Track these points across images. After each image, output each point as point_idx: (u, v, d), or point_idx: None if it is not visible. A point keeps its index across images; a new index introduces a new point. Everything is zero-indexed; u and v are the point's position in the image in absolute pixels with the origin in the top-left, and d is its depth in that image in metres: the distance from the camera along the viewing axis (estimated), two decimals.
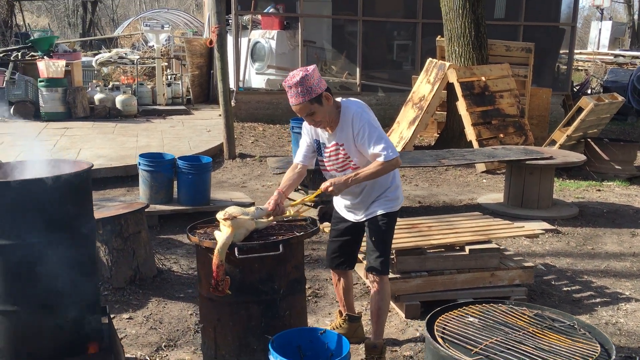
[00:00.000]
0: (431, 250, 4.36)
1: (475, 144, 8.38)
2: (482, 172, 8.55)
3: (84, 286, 2.96)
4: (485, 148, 7.42)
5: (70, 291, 2.87)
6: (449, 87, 9.08)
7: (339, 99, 3.29)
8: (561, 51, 13.78)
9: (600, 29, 29.13)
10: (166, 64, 14.34)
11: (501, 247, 4.63)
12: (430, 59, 9.60)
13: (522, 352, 1.80)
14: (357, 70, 11.99)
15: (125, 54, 13.52)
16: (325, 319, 4.19)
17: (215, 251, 2.85)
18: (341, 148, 3.28)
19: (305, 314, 3.30)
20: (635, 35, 32.41)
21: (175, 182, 6.23)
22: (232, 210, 3.02)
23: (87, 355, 2.93)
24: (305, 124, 3.44)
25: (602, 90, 16.73)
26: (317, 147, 3.43)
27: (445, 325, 1.98)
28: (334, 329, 3.67)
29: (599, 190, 7.91)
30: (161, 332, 3.99)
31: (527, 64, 9.85)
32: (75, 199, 2.87)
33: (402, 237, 4.44)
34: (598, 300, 4.60)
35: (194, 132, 10.31)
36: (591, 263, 5.40)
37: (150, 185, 6.03)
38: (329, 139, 3.31)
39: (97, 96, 11.50)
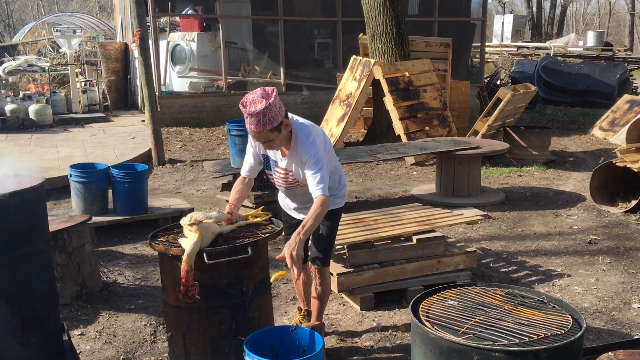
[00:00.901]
0: (380, 243, 4.50)
1: (404, 138, 8.65)
2: (412, 164, 8.84)
3: (45, 303, 2.87)
4: (417, 141, 7.69)
5: (31, 309, 2.78)
6: (374, 83, 9.31)
7: (290, 119, 3.22)
8: (473, 45, 14.42)
9: (503, 22, 30.64)
10: (79, 70, 13.80)
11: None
12: (354, 56, 9.80)
13: (505, 328, 1.93)
14: (281, 70, 12.05)
15: (36, 60, 12.89)
16: (283, 317, 4.23)
17: (184, 257, 2.83)
18: (290, 173, 3.31)
19: (272, 313, 3.34)
20: (535, 27, 34.38)
21: (109, 192, 6.06)
22: (195, 215, 3.01)
23: None
24: (251, 137, 3.44)
25: (510, 81, 17.67)
26: (265, 161, 3.45)
27: (428, 310, 2.09)
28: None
29: (520, 175, 8.39)
30: (117, 345, 3.90)
31: (447, 59, 10.26)
32: (32, 214, 2.78)
33: (351, 232, 4.55)
34: (534, 278, 4.90)
35: (118, 140, 10.02)
36: (523, 244, 5.73)
37: (83, 196, 5.83)
38: (281, 161, 3.32)
39: (8, 107, 10.93)
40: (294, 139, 3.20)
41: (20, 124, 10.71)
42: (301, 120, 3.30)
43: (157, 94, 11.18)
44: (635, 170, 6.25)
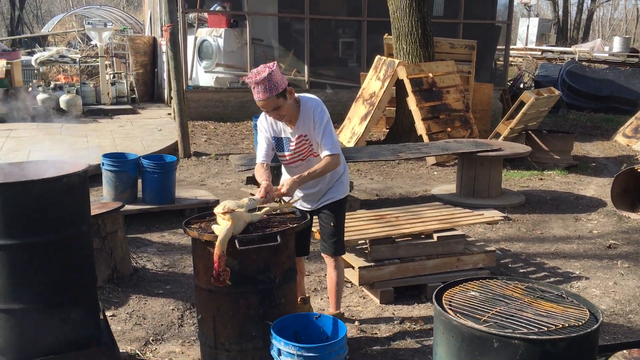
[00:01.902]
0: (401, 239, 4.62)
1: (426, 138, 8.74)
2: (433, 164, 8.93)
3: (85, 283, 3.04)
4: (439, 142, 7.78)
5: (72, 288, 2.95)
6: (398, 83, 9.41)
7: (297, 95, 3.51)
8: (497, 47, 14.42)
9: (528, 25, 30.46)
10: (108, 62, 14.07)
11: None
12: (378, 56, 9.90)
13: (524, 318, 2.05)
14: (305, 67, 12.18)
15: (66, 52, 13.17)
16: None
17: (217, 243, 2.97)
18: (305, 139, 3.49)
19: (297, 301, 3.48)
20: (560, 31, 34.10)
21: (139, 182, 6.24)
22: (228, 204, 3.15)
23: (92, 350, 3.01)
24: (261, 123, 3.61)
25: (533, 85, 17.63)
26: (277, 144, 3.61)
27: (451, 299, 2.21)
28: None
29: (541, 179, 8.43)
30: (146, 327, 4.07)
31: (471, 61, 10.32)
32: (76, 198, 2.94)
33: (373, 227, 4.68)
34: (552, 279, 4.97)
35: (145, 132, 10.23)
36: (542, 246, 5.80)
37: (114, 185, 6.02)
38: (293, 133, 3.52)
39: (40, 96, 11.21)
40: (302, 107, 3.44)
41: (51, 114, 10.98)
42: (305, 94, 3.57)
43: (184, 88, 11.40)
44: None
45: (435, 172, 8.70)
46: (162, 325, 4.12)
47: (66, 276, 2.90)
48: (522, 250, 5.66)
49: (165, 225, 6.10)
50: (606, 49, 26.93)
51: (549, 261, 5.40)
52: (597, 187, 8.14)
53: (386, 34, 10.54)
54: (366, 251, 4.57)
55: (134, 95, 13.42)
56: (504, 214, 6.29)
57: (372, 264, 4.45)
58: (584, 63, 19.28)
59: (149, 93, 14.23)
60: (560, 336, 1.93)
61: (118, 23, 21.72)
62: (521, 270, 5.16)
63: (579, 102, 15.76)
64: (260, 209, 3.38)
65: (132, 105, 12.80)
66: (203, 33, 12.36)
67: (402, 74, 8.96)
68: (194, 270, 3.28)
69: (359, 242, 4.60)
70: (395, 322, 4.14)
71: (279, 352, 2.88)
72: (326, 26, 12.98)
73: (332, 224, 3.65)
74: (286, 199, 3.51)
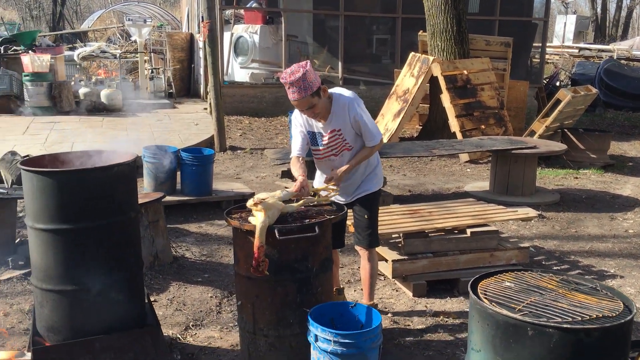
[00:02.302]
0: (434, 234, 4.68)
1: (459, 135, 8.74)
2: (466, 161, 8.93)
3: (133, 267, 3.19)
4: (472, 138, 7.79)
5: (121, 272, 3.10)
6: (431, 80, 9.42)
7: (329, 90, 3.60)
8: (533, 45, 14.28)
9: (565, 23, 29.95)
10: (147, 58, 14.37)
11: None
12: (412, 53, 9.93)
13: (559, 308, 2.11)
14: (339, 64, 12.27)
15: (106, 47, 13.51)
16: None
17: (256, 233, 3.09)
18: (338, 133, 3.58)
19: (332, 290, 3.58)
20: (598, 28, 33.44)
21: (178, 174, 6.42)
22: (259, 195, 3.26)
23: (138, 331, 3.16)
24: (296, 118, 3.70)
25: (570, 83, 17.39)
26: (311, 138, 3.70)
27: (486, 289, 2.28)
28: None
29: (577, 177, 8.37)
30: (186, 313, 4.22)
31: (506, 58, 10.26)
32: (126, 186, 3.09)
33: (407, 221, 4.75)
34: (587, 277, 4.96)
35: (182, 126, 10.46)
36: (576, 245, 5.79)
37: (154, 176, 6.21)
38: (325, 128, 3.60)
39: (82, 90, 11.54)
40: (334, 101, 3.54)
41: (92, 107, 11.30)
42: (336, 89, 3.67)
43: (220, 83, 11.60)
44: None
45: (468, 169, 8.70)
46: (201, 311, 4.27)
47: (115, 260, 3.05)
48: (555, 248, 5.66)
49: (203, 216, 6.27)
50: None
51: (583, 259, 5.40)
52: (634, 186, 8.05)
53: (421, 31, 10.55)
54: (399, 245, 4.64)
55: (171, 90, 13.69)
56: (537, 212, 6.29)
57: (406, 257, 4.52)
58: (622, 61, 18.93)
59: (185, 88, 14.50)
60: (594, 326, 1.99)
61: (155, 19, 22.11)
62: (555, 268, 5.16)
63: (616, 100, 15.50)
64: (297, 200, 3.48)
65: (170, 100, 13.06)
66: (239, 29, 12.55)
67: (437, 71, 8.98)
68: (234, 258, 3.40)
69: (393, 235, 4.68)
70: (428, 314, 4.22)
71: (316, 338, 2.98)
72: (360, 23, 13.04)
73: (366, 217, 3.74)
74: (323, 193, 3.61)
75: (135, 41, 17.39)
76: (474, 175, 8.39)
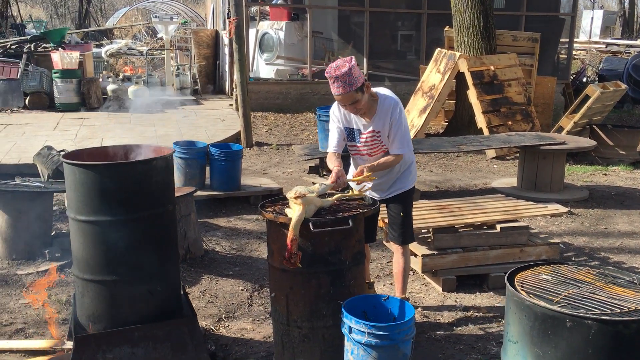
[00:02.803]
0: (463, 229, 4.69)
1: (486, 131, 8.71)
2: (492, 158, 8.89)
3: (170, 259, 3.26)
4: (500, 134, 7.75)
5: (159, 263, 3.17)
6: (457, 76, 9.38)
7: (373, 89, 3.60)
8: (560, 40, 14.12)
9: (592, 18, 29.52)
10: (172, 54, 14.52)
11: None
12: (439, 49, 9.90)
13: (597, 300, 2.12)
14: (364, 60, 12.27)
15: (133, 44, 13.69)
16: None
17: (290, 226, 3.13)
18: (377, 134, 3.60)
19: (365, 283, 3.61)
20: (626, 24, 32.90)
21: (207, 169, 6.50)
22: (299, 189, 3.30)
23: (175, 321, 3.23)
24: (334, 113, 3.73)
25: (597, 79, 17.15)
26: (348, 134, 3.73)
27: (523, 281, 2.30)
28: None
29: (605, 174, 8.28)
30: (218, 305, 4.30)
31: (533, 54, 10.18)
32: (164, 179, 3.16)
33: (436, 216, 4.77)
34: (623, 271, 4.93)
35: (208, 122, 10.56)
36: (606, 241, 5.75)
37: (184, 171, 6.30)
38: (365, 126, 3.63)
39: (110, 87, 11.71)
40: (380, 102, 3.55)
41: (120, 103, 11.47)
42: (381, 89, 3.68)
43: (247, 79, 11.69)
44: None
45: (495, 166, 8.66)
46: (232, 304, 4.34)
47: (154, 251, 3.12)
48: (585, 245, 5.63)
49: (232, 211, 6.34)
50: None
51: (613, 256, 5.36)
52: None
53: (447, 27, 10.51)
54: (429, 240, 4.66)
55: (196, 87, 13.81)
56: (567, 208, 6.25)
57: (435, 252, 4.54)
58: None
59: (210, 84, 14.62)
60: (633, 318, 2.00)
61: (179, 16, 22.30)
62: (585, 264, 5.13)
63: None
64: (331, 195, 3.52)
65: (195, 96, 13.19)
66: (264, 26, 12.62)
67: (463, 67, 8.95)
68: (268, 251, 3.45)
69: (422, 230, 4.70)
70: (458, 309, 4.23)
71: (350, 330, 3.02)
72: (386, 19, 13.02)
73: (401, 214, 3.76)
74: (356, 188, 3.64)
75: (160, 38, 17.62)
76: (501, 172, 8.35)
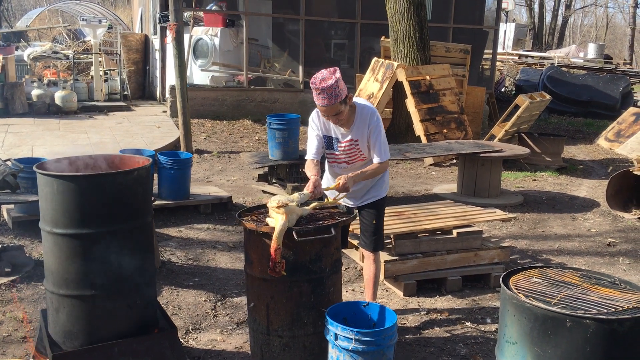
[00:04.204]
0: (422, 235, 4.84)
1: (424, 139, 8.99)
2: (430, 165, 9.19)
3: (148, 271, 3.18)
4: (441, 142, 8.03)
5: (138, 276, 3.09)
6: (394, 85, 9.63)
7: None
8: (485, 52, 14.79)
9: (505, 30, 31.07)
10: (100, 59, 14.02)
11: None
12: (375, 58, 10.13)
13: (591, 301, 2.28)
14: (300, 68, 12.35)
15: (58, 47, 13.10)
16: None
17: (274, 236, 3.14)
18: (355, 143, 3.68)
19: (342, 290, 3.66)
20: (536, 36, 34.88)
21: (154, 177, 6.34)
22: (281, 198, 3.31)
23: (155, 335, 3.15)
24: (313, 121, 3.78)
25: (514, 89, 18.09)
26: (327, 142, 3.79)
27: (517, 285, 2.42)
28: None
29: (535, 180, 8.76)
30: (183, 317, 4.21)
31: (465, 64, 10.62)
32: (143, 190, 3.09)
33: (395, 223, 4.89)
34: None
35: (144, 129, 10.29)
36: (545, 244, 6.09)
37: None
38: (344, 135, 3.71)
39: (35, 92, 11.16)
40: (358, 112, 3.64)
41: (46, 109, 10.95)
42: (359, 99, 3.75)
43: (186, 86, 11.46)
44: None
45: (433, 172, 8.96)
46: (197, 315, 4.27)
47: (134, 264, 3.03)
48: (527, 247, 5.93)
49: (181, 220, 6.22)
50: (581, 55, 27.68)
51: (554, 257, 5.68)
52: (589, 188, 8.49)
53: (383, 37, 10.77)
54: (389, 246, 4.77)
55: (126, 92, 13.41)
56: (507, 213, 6.56)
57: (397, 257, 4.66)
58: (563, 68, 19.84)
59: (140, 90, 14.23)
60: (627, 316, 2.16)
61: (98, 19, 21.50)
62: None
63: (559, 106, 16.19)
64: (307, 204, 3.55)
65: (126, 102, 12.80)
66: (198, 32, 12.44)
67: (402, 76, 9.21)
68: (247, 260, 3.43)
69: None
70: (422, 312, 4.36)
71: (336, 337, 3.06)
72: (319, 27, 13.17)
73: (373, 222, 3.84)
74: (332, 196, 3.69)
75: (84, 41, 16.95)
76: (439, 178, 8.65)
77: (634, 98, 18.00)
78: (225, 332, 4.04)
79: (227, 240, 5.78)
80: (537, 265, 2.59)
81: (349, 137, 3.67)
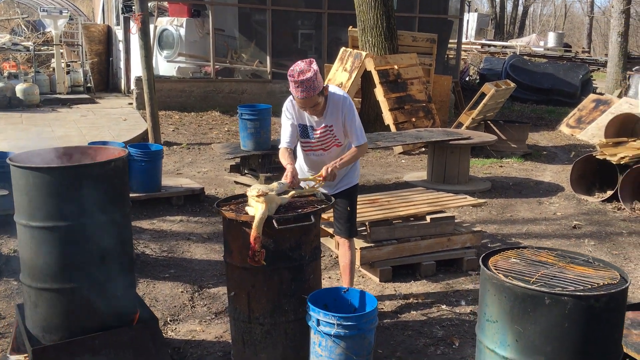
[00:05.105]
0: (396, 221, 4.90)
1: (393, 128, 9.07)
2: (400, 153, 9.28)
3: (127, 262, 3.16)
4: (410, 131, 8.12)
5: (117, 267, 3.07)
6: (363, 75, 9.68)
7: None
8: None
9: (467, 20, 31.44)
10: (62, 51, 13.71)
11: None
12: (344, 48, 10.16)
13: (568, 278, 2.36)
14: (268, 58, 12.30)
15: (17, 39, 12.75)
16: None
17: (254, 224, 3.15)
18: (330, 129, 3.71)
19: (321, 277, 3.70)
20: (497, 26, 35.42)
21: None
22: (261, 187, 3.32)
23: (137, 326, 3.14)
24: (287, 110, 3.80)
25: (478, 78, 18.36)
26: (302, 131, 3.81)
27: (496, 265, 2.49)
28: None
29: (501, 166, 8.93)
30: (160, 309, 4.20)
31: (432, 54, 10.73)
32: (121, 181, 3.06)
33: (369, 210, 4.94)
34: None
35: (110, 121, 10.12)
36: (514, 228, 6.23)
37: None
38: (318, 123, 3.73)
39: None
40: (329, 98, 3.66)
41: (7, 103, 10.67)
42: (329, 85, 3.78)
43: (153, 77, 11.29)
44: (614, 162, 6.83)
45: (403, 161, 9.06)
46: (175, 306, 4.26)
47: (113, 256, 3.01)
48: (497, 232, 6.06)
49: (154, 212, 6.17)
50: (541, 43, 28.21)
51: (523, 240, 5.83)
52: (553, 173, 8.70)
53: (350, 27, 10.80)
54: (364, 233, 4.83)
55: (89, 85, 13.16)
56: (477, 199, 6.69)
57: (372, 244, 4.71)
58: (525, 57, 20.20)
59: (103, 82, 13.99)
60: (603, 292, 2.25)
61: (57, 9, 20.98)
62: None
63: (521, 94, 16.47)
64: (285, 192, 3.56)
65: (89, 95, 12.57)
66: (163, 22, 12.27)
67: (370, 66, 9.26)
68: (226, 250, 3.43)
69: (358, 224, 4.85)
70: (398, 297, 4.44)
71: (318, 323, 3.09)
72: (286, 17, 13.13)
73: (347, 208, 3.88)
74: (310, 184, 3.71)
75: (44, 33, 16.52)
76: (409, 166, 8.75)
77: (594, 85, 18.48)
78: (204, 322, 4.05)
79: (201, 232, 5.76)
80: (514, 246, 2.66)
81: (323, 124, 3.69)
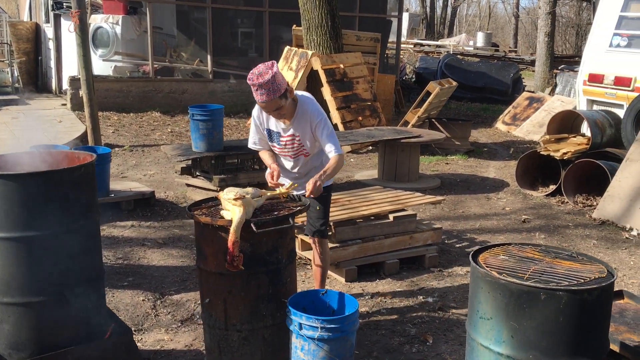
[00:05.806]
0: (360, 221, 4.90)
1: (341, 127, 9.09)
2: (348, 152, 9.30)
3: (97, 273, 3.00)
4: (362, 129, 8.16)
5: (87, 279, 2.91)
6: (309, 74, 9.65)
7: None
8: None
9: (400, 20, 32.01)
10: None
11: None
12: (288, 47, 10.09)
13: (560, 273, 2.40)
14: (208, 57, 12.07)
15: None
16: None
17: (232, 229, 3.05)
18: (297, 138, 3.64)
19: (296, 280, 3.63)
20: (429, 26, 36.26)
21: None
22: (239, 190, 3.23)
23: (109, 340, 2.98)
24: (255, 115, 3.72)
25: (414, 77, 18.72)
26: (269, 135, 3.74)
27: (487, 263, 2.51)
28: None
29: (447, 163, 9.12)
30: (123, 319, 3.98)
31: (376, 52, 10.83)
32: (90, 187, 2.90)
33: (333, 211, 4.89)
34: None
35: (44, 124, 9.64)
36: (467, 223, 6.37)
37: None
38: (285, 130, 3.64)
39: None
40: (299, 106, 3.55)
41: None
42: (300, 92, 3.68)
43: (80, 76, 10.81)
44: (557, 158, 7.09)
45: (352, 159, 9.09)
46: (138, 316, 4.09)
47: (83, 266, 2.85)
48: (452, 228, 6.17)
49: (103, 218, 5.82)
50: (471, 43, 29.09)
51: (477, 236, 5.96)
52: (496, 169, 8.96)
53: (294, 25, 10.74)
54: (330, 233, 4.78)
55: (17, 85, 12.50)
56: (442, 197, 6.79)
57: (337, 244, 4.69)
58: (459, 56, 20.75)
59: (32, 82, 13.32)
60: (594, 286, 2.30)
61: None
62: (457, 245, 5.65)
63: (457, 92, 16.81)
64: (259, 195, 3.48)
65: (18, 96, 11.94)
66: (97, 19, 11.81)
67: (317, 65, 9.24)
68: (199, 256, 3.32)
69: None
70: (367, 297, 4.43)
71: (301, 326, 3.04)
72: (225, 15, 12.92)
73: (317, 208, 3.82)
74: (286, 185, 3.63)
75: None
76: (359, 165, 8.79)
77: (523, 84, 19.21)
78: (171, 331, 3.90)
79: (155, 237, 5.57)
80: (501, 243, 2.70)
81: (290, 132, 3.60)
